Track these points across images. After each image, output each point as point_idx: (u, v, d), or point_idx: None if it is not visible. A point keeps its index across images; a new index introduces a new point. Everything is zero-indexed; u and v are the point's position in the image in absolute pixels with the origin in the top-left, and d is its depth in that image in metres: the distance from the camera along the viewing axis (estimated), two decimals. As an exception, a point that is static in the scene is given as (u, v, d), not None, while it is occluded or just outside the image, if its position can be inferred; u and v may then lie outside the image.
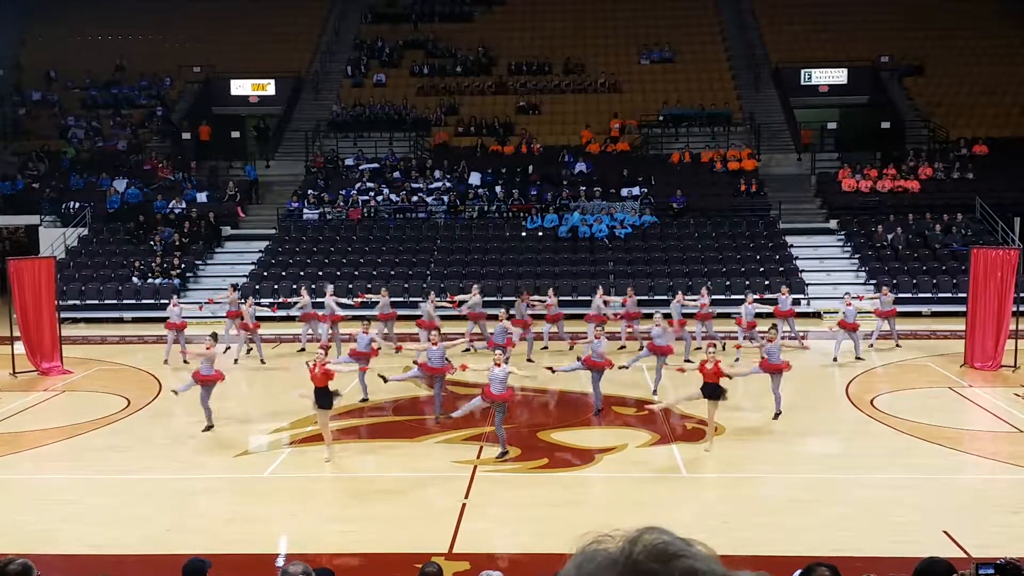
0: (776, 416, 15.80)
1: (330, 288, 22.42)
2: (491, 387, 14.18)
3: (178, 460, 14.40)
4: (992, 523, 11.34)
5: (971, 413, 16.92)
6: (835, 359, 20.51)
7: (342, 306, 22.23)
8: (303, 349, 21.78)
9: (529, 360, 20.57)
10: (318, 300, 22.36)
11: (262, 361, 21.00)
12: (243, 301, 22.07)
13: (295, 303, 22.19)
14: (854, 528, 11.16)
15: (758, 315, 21.22)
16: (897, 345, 21.98)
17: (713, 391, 14.39)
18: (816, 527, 11.27)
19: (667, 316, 19.64)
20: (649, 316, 22.28)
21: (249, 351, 21.67)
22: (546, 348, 22.17)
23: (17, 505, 12.46)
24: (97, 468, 13.99)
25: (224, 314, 22.59)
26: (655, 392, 17.56)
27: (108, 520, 11.81)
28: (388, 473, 13.68)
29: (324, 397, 13.96)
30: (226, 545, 10.79)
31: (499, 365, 14.17)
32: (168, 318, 21.59)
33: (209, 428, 15.61)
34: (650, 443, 14.89)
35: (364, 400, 17.34)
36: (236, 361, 21.03)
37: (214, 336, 17.18)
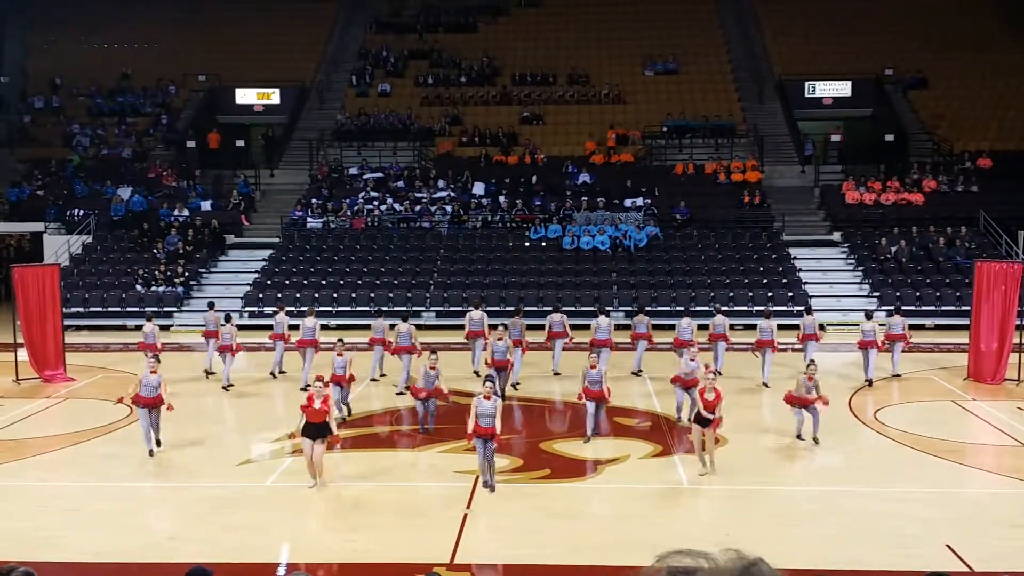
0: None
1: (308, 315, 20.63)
2: (480, 422, 12.66)
3: (180, 468, 14.41)
4: (995, 537, 11.31)
5: (974, 426, 16.89)
6: (869, 382, 19.43)
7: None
8: (273, 373, 20.49)
9: (515, 386, 19.15)
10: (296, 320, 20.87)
11: (227, 387, 19.49)
12: (225, 322, 20.08)
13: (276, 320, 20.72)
14: (857, 540, 11.14)
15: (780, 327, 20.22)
16: (896, 375, 20.17)
17: (704, 419, 13.56)
18: (819, 539, 11.25)
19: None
20: (660, 326, 21.92)
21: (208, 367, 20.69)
22: (558, 374, 20.49)
23: (19, 512, 12.45)
24: (99, 476, 14.01)
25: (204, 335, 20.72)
26: (689, 419, 16.84)
27: (110, 527, 11.82)
28: (390, 483, 13.66)
29: (319, 429, 13.02)
30: (228, 554, 10.78)
31: (488, 398, 12.80)
32: (143, 339, 20.28)
33: (150, 453, 14.77)
34: (652, 455, 14.88)
35: (342, 420, 16.20)
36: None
37: (156, 359, 15.80)
